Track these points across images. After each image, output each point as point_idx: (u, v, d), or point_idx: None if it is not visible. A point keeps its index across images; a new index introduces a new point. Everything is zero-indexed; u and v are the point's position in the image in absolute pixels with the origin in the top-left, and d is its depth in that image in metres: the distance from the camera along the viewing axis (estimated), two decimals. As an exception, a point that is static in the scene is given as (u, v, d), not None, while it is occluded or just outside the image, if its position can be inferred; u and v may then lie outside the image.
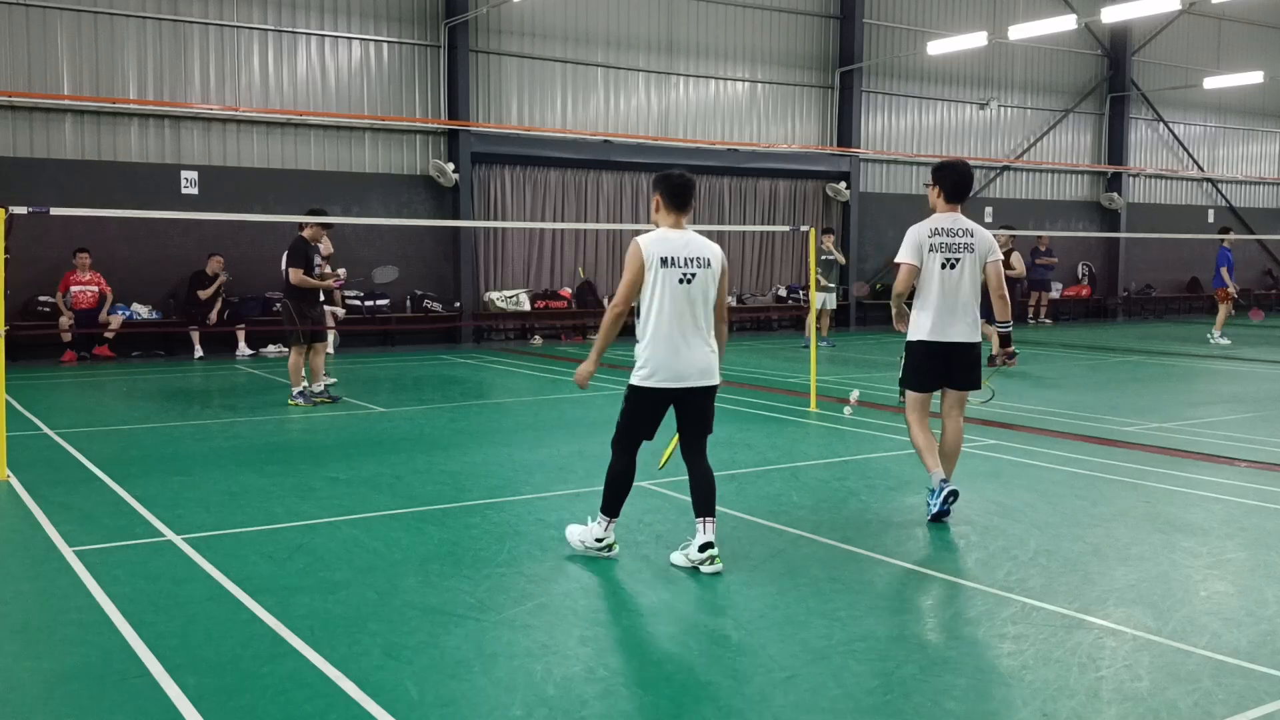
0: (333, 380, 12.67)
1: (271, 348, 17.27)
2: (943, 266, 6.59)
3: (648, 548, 6.04)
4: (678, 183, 5.68)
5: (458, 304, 19.37)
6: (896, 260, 6.72)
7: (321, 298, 11.92)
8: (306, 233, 11.45)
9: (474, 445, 9.37)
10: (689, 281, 5.56)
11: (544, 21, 20.00)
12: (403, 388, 13.38)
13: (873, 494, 7.46)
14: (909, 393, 6.84)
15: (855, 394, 11.46)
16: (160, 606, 5.01)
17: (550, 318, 20.28)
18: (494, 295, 19.88)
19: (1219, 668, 4.35)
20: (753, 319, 22.80)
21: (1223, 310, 19.69)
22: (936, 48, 21.51)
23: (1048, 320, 25.53)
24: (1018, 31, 20.73)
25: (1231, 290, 19.55)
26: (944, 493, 6.52)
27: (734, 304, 22.53)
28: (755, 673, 4.29)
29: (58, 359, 15.76)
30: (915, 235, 6.66)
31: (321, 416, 10.91)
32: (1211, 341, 19.35)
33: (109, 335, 16.22)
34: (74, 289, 15.84)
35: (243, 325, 16.92)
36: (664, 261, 5.54)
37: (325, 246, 13.60)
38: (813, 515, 6.84)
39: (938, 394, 6.90)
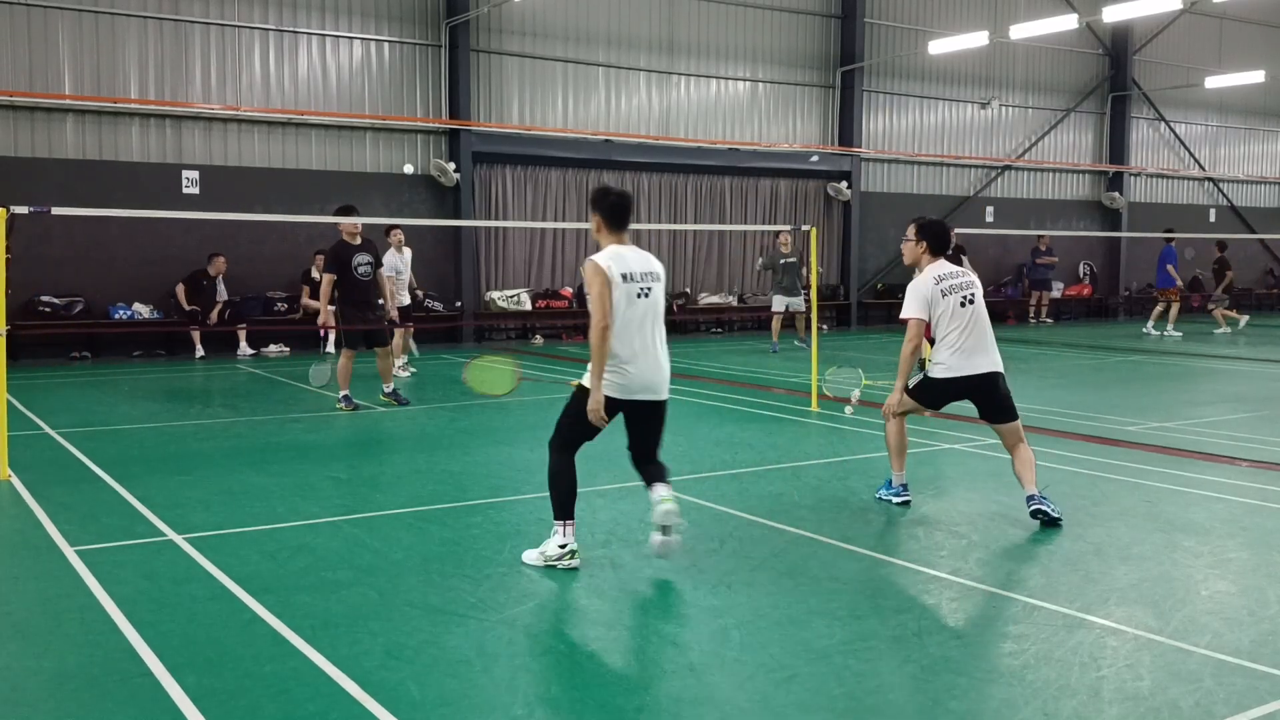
0: (405, 372, 12.47)
1: (273, 347, 17.29)
2: (963, 304, 6.80)
3: (648, 547, 6.03)
4: (617, 201, 5.77)
5: (459, 303, 19.38)
6: (905, 316, 6.89)
7: (382, 301, 11.40)
8: (344, 233, 11.05)
9: (475, 445, 9.37)
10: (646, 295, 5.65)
11: (545, 21, 20.01)
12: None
13: (874, 493, 7.45)
14: (914, 403, 7.05)
15: (856, 394, 11.44)
16: (161, 606, 5.02)
17: (551, 317, 20.28)
18: (495, 295, 19.88)
19: (1220, 667, 4.35)
20: (754, 319, 22.79)
21: (1175, 308, 21.16)
22: (937, 47, 21.51)
23: (1049, 319, 25.53)
24: (1019, 31, 20.73)
25: (1180, 286, 21.40)
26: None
27: (734, 304, 22.54)
28: (757, 672, 4.29)
29: (64, 358, 15.75)
30: (920, 292, 6.85)
31: (321, 417, 10.91)
32: (1165, 335, 20.63)
33: None
34: None
35: (244, 325, 16.93)
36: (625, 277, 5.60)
37: (402, 252, 13.91)
38: (814, 515, 6.84)
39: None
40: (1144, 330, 21.40)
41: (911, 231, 7.07)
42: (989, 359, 6.84)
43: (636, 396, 5.59)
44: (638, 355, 5.56)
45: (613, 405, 5.57)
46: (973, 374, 6.79)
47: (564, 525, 5.63)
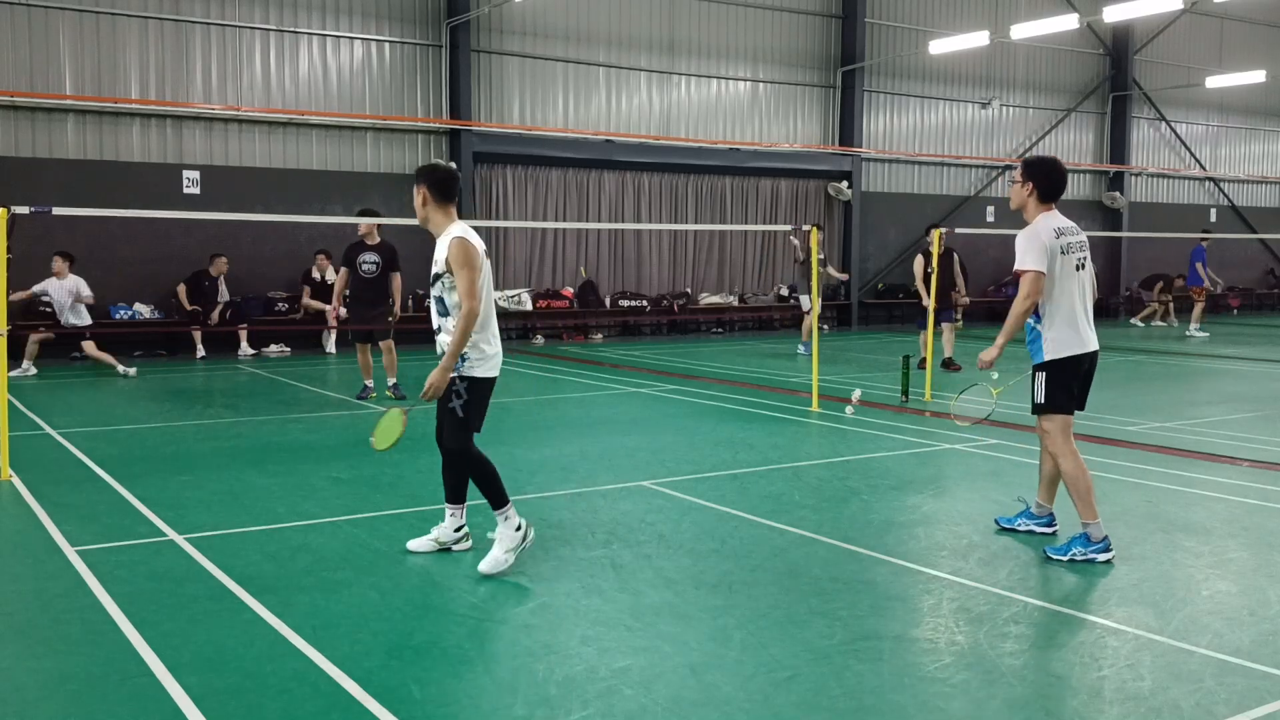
0: (391, 381, 12.16)
1: (274, 347, 17.29)
2: (1078, 268, 5.90)
3: (649, 548, 6.04)
4: (446, 175, 5.67)
5: (459, 303, 19.35)
6: (1023, 268, 5.80)
7: (391, 300, 12.04)
8: (361, 233, 11.89)
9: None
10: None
11: (545, 21, 20.01)
12: (405, 386, 13.36)
13: (874, 494, 7.46)
14: (1060, 417, 5.92)
15: (857, 393, 11.47)
16: (162, 606, 5.02)
17: (552, 317, 20.28)
18: (496, 295, 19.77)
19: (1221, 667, 4.35)
20: (754, 319, 22.78)
21: (1199, 306, 21.57)
22: (938, 47, 21.51)
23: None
24: (1019, 31, 20.72)
25: (1208, 286, 21.68)
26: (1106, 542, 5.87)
27: (735, 304, 22.53)
28: (757, 672, 4.29)
29: (65, 357, 15.73)
30: (1040, 240, 5.80)
31: (321, 417, 10.91)
32: (1192, 336, 20.90)
33: None
34: None
35: (245, 325, 16.93)
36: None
37: (64, 279, 14.20)
38: (814, 515, 6.84)
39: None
40: (1187, 332, 21.41)
41: (1018, 172, 6.06)
42: (1094, 334, 5.98)
43: (498, 371, 5.66)
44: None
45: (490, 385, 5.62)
46: (1092, 350, 5.92)
47: (509, 508, 5.61)
